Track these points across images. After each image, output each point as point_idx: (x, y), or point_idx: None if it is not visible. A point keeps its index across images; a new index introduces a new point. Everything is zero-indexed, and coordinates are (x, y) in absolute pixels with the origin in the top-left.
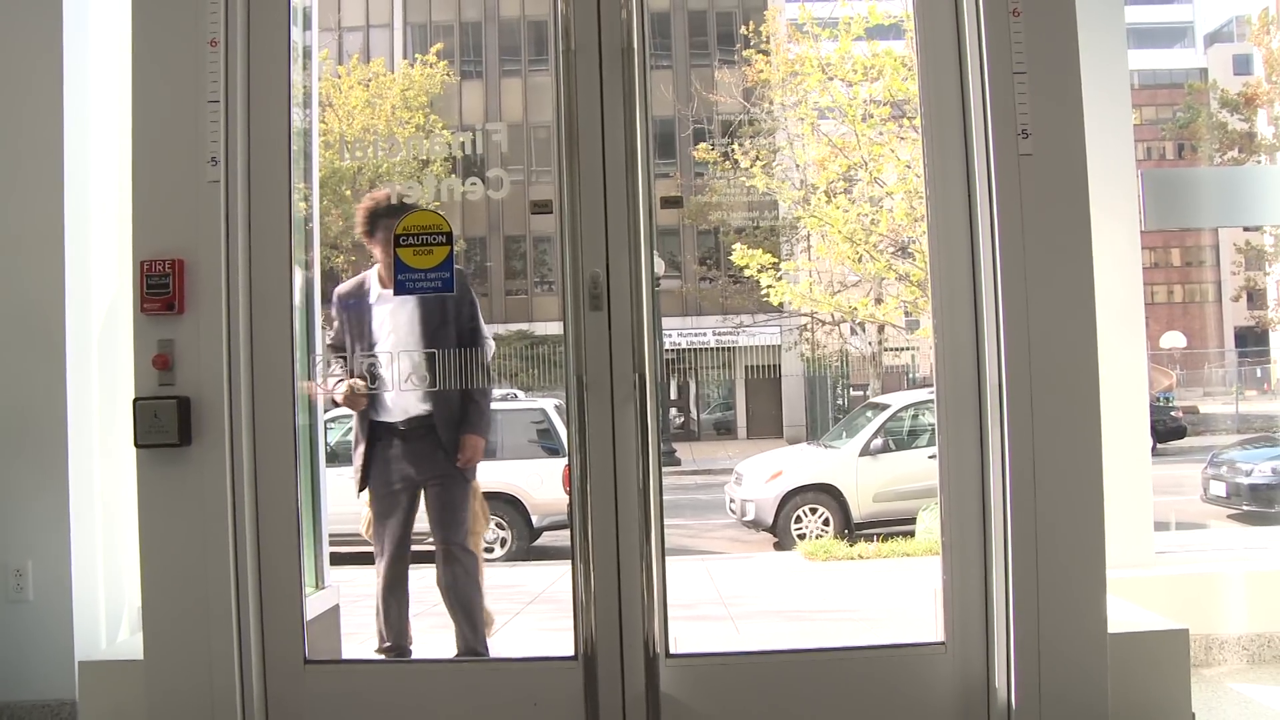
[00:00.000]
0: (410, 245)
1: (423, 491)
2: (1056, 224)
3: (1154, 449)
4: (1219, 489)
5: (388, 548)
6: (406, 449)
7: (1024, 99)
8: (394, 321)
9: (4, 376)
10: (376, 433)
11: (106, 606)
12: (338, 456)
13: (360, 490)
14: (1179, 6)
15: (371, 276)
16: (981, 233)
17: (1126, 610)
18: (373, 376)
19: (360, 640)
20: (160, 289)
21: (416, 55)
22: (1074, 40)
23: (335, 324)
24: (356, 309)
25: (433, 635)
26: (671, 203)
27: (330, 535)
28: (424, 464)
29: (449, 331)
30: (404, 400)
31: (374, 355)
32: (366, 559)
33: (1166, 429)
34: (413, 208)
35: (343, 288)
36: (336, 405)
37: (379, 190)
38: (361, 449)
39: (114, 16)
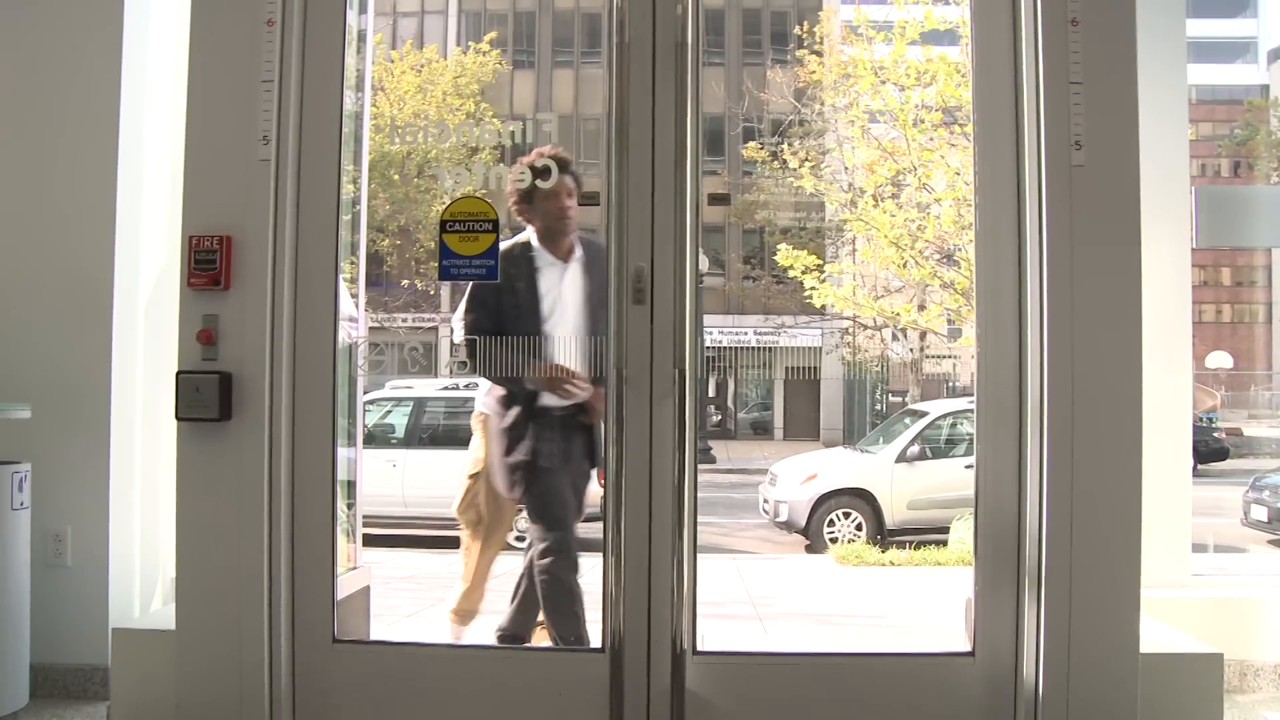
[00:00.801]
0: (456, 231)
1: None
2: (1106, 238)
3: (1195, 469)
4: (1260, 513)
5: (549, 536)
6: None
7: (1079, 109)
8: (563, 292)
9: (52, 345)
10: (538, 416)
11: (141, 576)
12: (374, 438)
13: (512, 482)
14: (1242, 21)
15: (531, 237)
16: (1029, 243)
17: (1161, 631)
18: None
19: (389, 622)
20: (207, 264)
21: (470, 43)
22: (1133, 52)
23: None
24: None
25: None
26: (719, 200)
27: (364, 516)
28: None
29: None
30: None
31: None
32: (400, 542)
33: (1209, 450)
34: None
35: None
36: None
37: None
38: (518, 429)
39: None
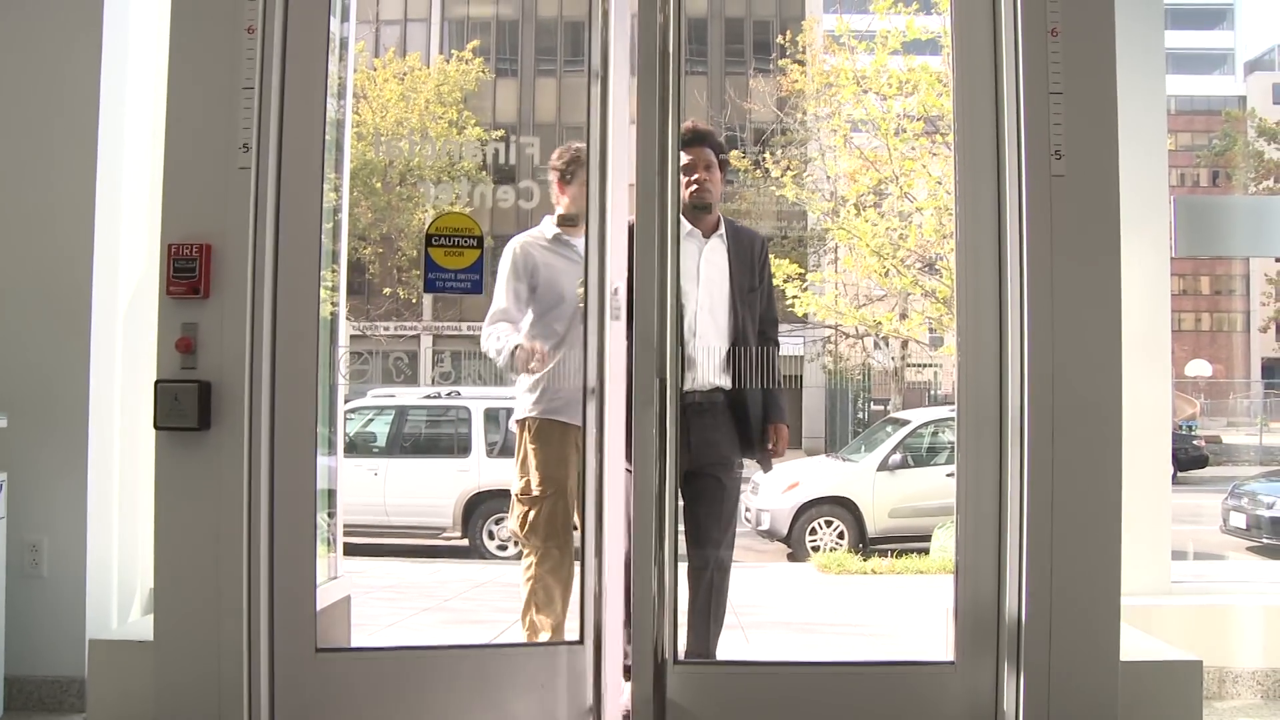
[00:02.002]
0: (441, 246)
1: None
2: (1086, 247)
3: (1174, 477)
4: (1239, 520)
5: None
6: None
7: (1059, 120)
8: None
9: (29, 354)
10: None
11: (119, 586)
12: (355, 447)
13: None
14: (1220, 33)
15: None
16: (1010, 252)
17: (1140, 639)
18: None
19: (370, 631)
20: (186, 273)
21: (453, 51)
22: (1112, 63)
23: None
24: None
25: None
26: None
27: (345, 526)
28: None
29: None
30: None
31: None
32: (382, 551)
33: (1188, 458)
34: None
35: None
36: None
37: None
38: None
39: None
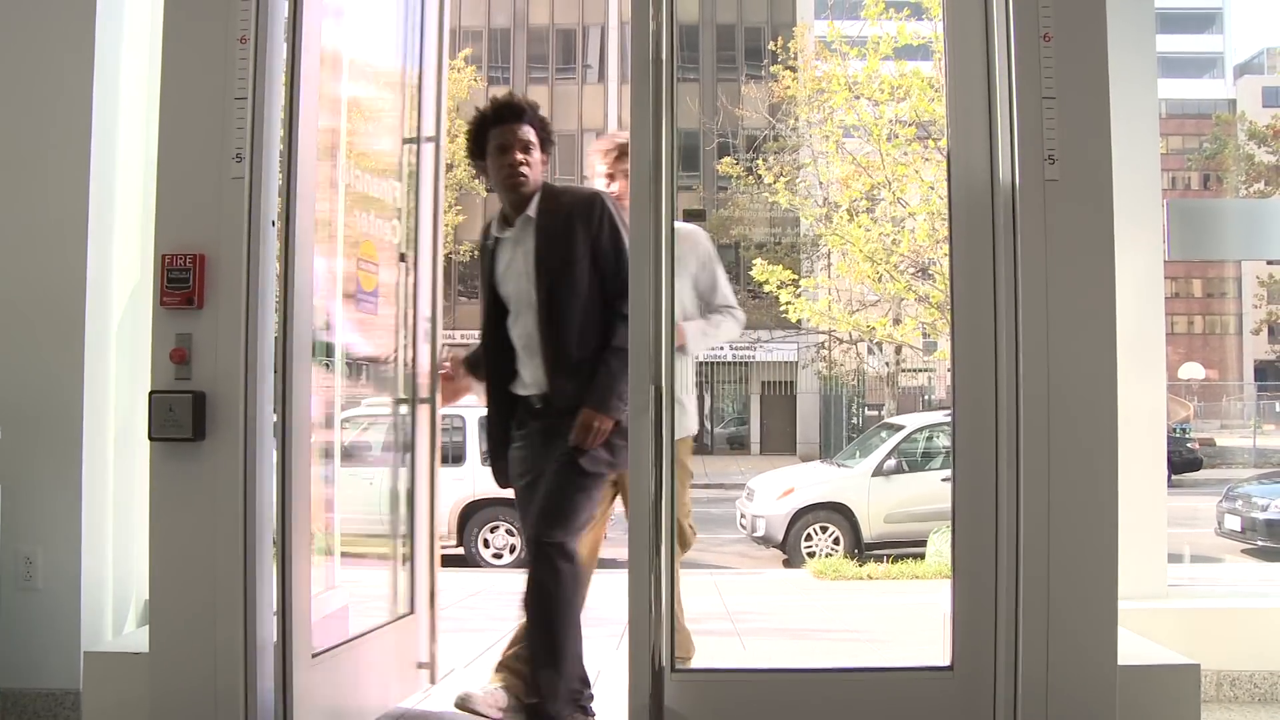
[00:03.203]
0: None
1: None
2: (1080, 251)
3: (1169, 480)
4: (1234, 523)
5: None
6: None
7: (1052, 124)
8: (511, 263)
9: (22, 364)
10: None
11: (114, 598)
12: (351, 455)
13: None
14: (1210, 37)
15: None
16: (1003, 257)
17: (1137, 643)
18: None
19: None
20: (180, 283)
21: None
22: (1104, 68)
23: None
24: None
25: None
26: (694, 216)
27: (342, 535)
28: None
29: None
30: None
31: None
32: (379, 560)
33: (1182, 460)
34: (513, 103)
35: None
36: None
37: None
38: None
39: (146, 11)
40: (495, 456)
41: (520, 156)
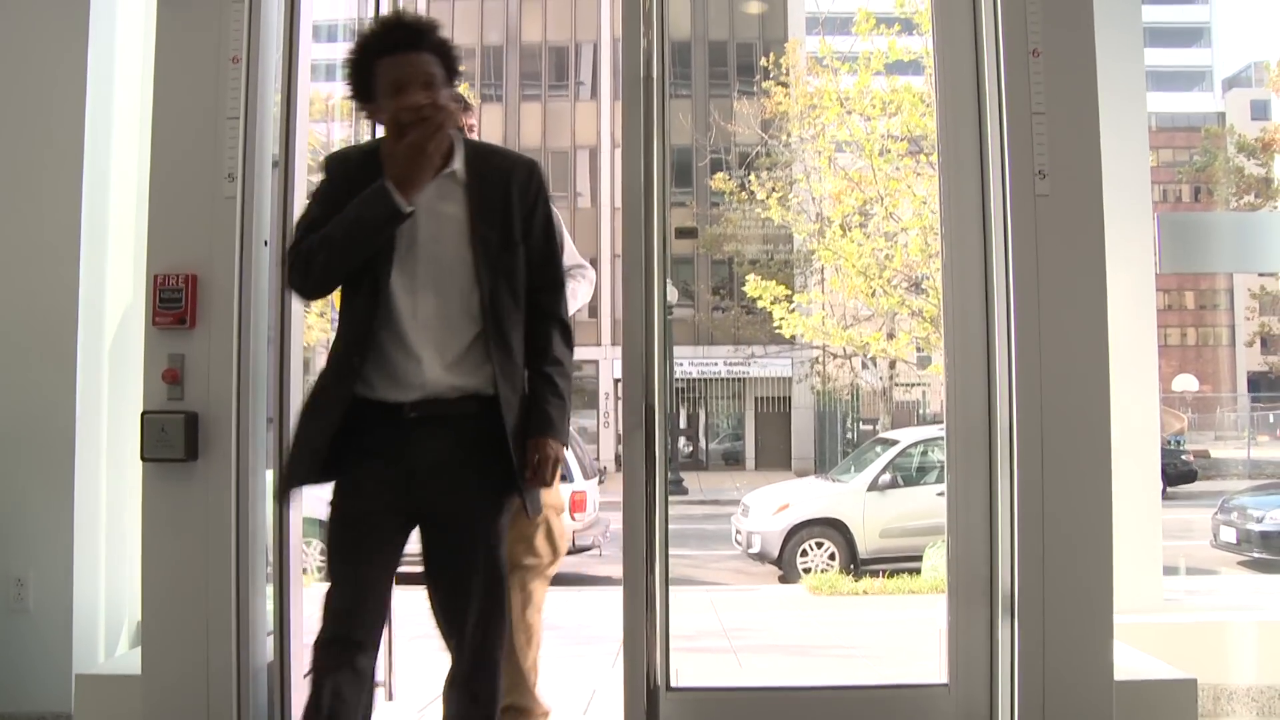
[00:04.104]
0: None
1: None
2: (1072, 265)
3: (1164, 492)
4: (1229, 535)
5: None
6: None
7: (1042, 140)
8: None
9: (14, 384)
10: (365, 418)
11: (106, 619)
12: None
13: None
14: (1198, 51)
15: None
16: (996, 271)
17: (1134, 658)
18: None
19: None
20: (173, 303)
21: None
22: (1093, 82)
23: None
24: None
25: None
26: (686, 234)
27: None
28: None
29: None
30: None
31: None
32: None
33: (1177, 472)
34: (405, 24)
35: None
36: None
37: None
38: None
39: (139, 31)
40: (306, 468)
41: (424, 95)
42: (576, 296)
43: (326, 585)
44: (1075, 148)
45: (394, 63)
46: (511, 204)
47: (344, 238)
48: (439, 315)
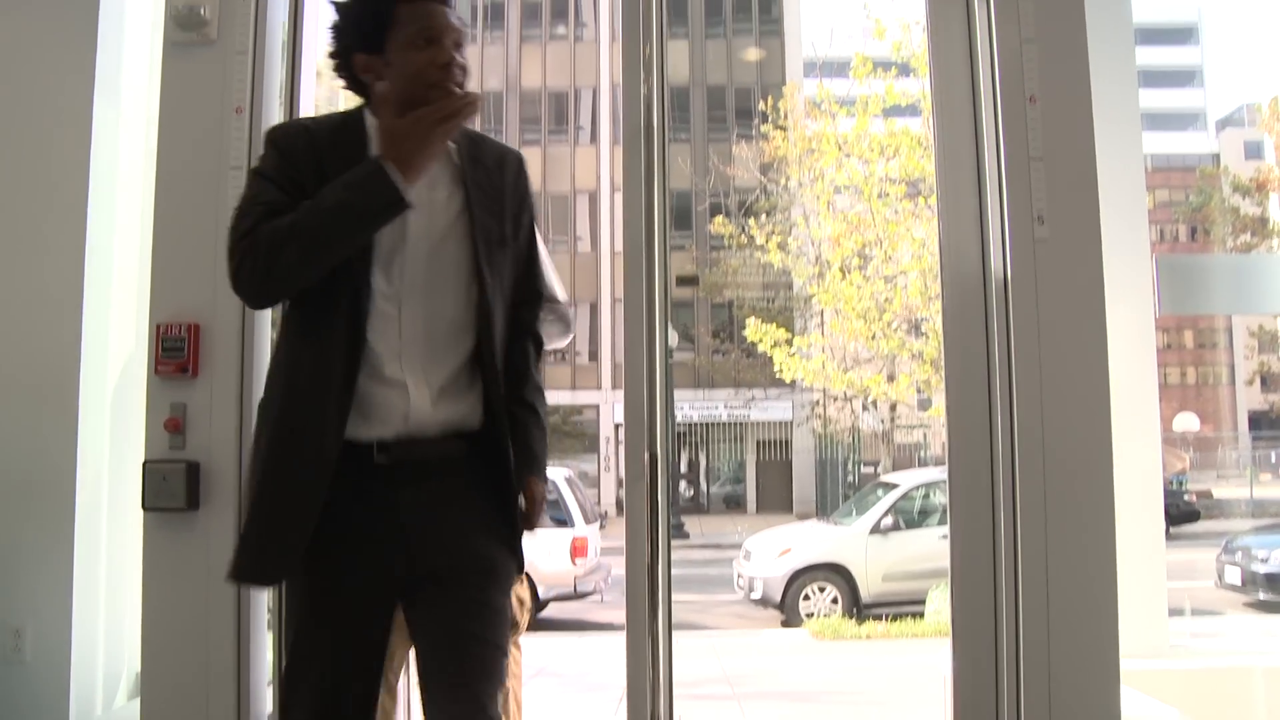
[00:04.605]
0: None
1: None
2: (1072, 309)
3: (1167, 532)
4: (1234, 576)
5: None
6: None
7: (1040, 185)
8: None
9: (14, 433)
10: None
11: (105, 671)
12: None
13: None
14: (1191, 91)
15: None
16: (995, 315)
17: (1141, 702)
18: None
19: None
20: (175, 352)
21: None
22: (1090, 128)
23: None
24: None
25: None
26: (687, 281)
27: None
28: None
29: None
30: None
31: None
32: None
33: (1180, 512)
34: None
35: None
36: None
37: None
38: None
39: (144, 78)
40: (282, 559)
41: (459, 57)
42: (552, 340)
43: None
44: (1073, 192)
45: (424, 10)
46: (504, 196)
47: (324, 229)
48: (427, 331)
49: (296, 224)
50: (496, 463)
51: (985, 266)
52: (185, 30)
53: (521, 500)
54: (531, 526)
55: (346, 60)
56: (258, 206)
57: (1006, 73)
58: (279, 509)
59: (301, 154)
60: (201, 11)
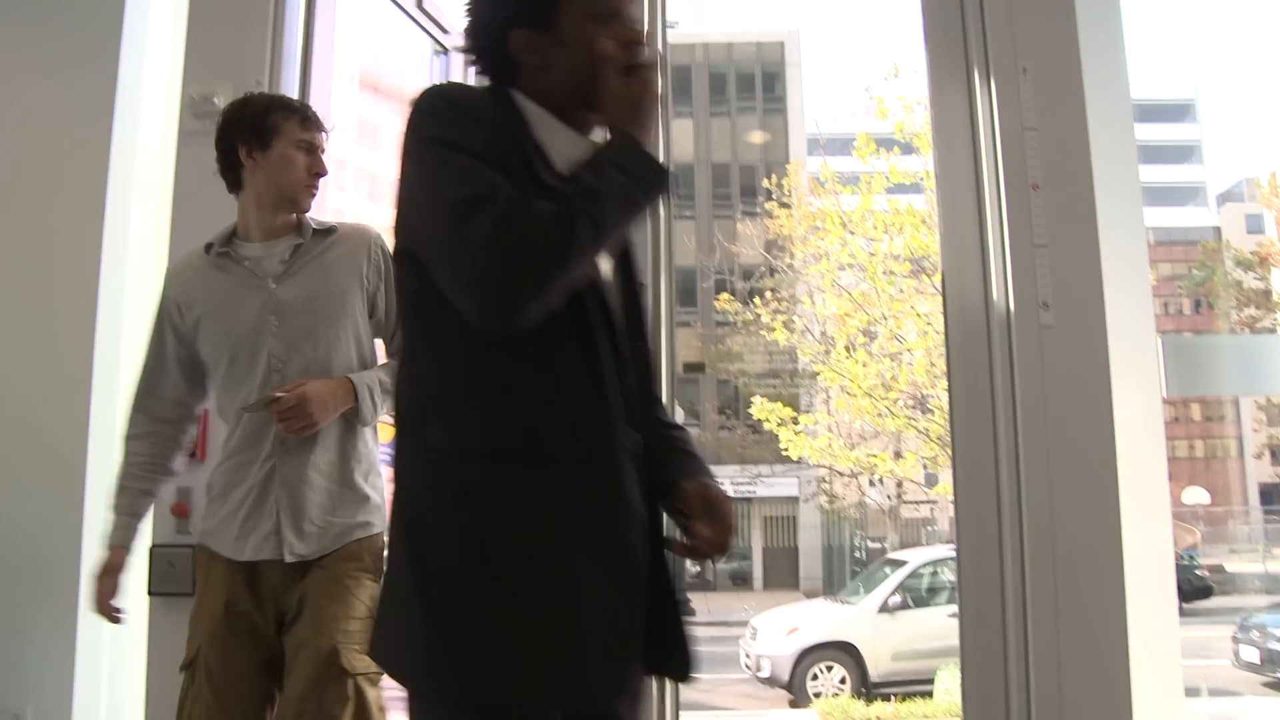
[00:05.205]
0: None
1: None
2: (1078, 393)
3: (1180, 609)
4: (1251, 655)
5: None
6: None
7: (1044, 271)
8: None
9: (18, 513)
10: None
11: None
12: None
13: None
14: (1191, 167)
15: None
16: (1001, 398)
17: None
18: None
19: None
20: None
21: None
22: (1093, 214)
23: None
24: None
25: None
26: (694, 369)
27: None
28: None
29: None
30: None
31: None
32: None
33: (1192, 588)
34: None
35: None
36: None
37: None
38: None
39: (157, 169)
40: (621, 670)
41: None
42: None
43: None
44: (1078, 278)
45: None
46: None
47: (611, 219)
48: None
49: (586, 211)
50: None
51: (990, 348)
52: (200, 119)
53: None
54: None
55: (500, 37)
56: (499, 190)
57: (1009, 160)
58: (609, 598)
59: (501, 132)
60: (216, 100)
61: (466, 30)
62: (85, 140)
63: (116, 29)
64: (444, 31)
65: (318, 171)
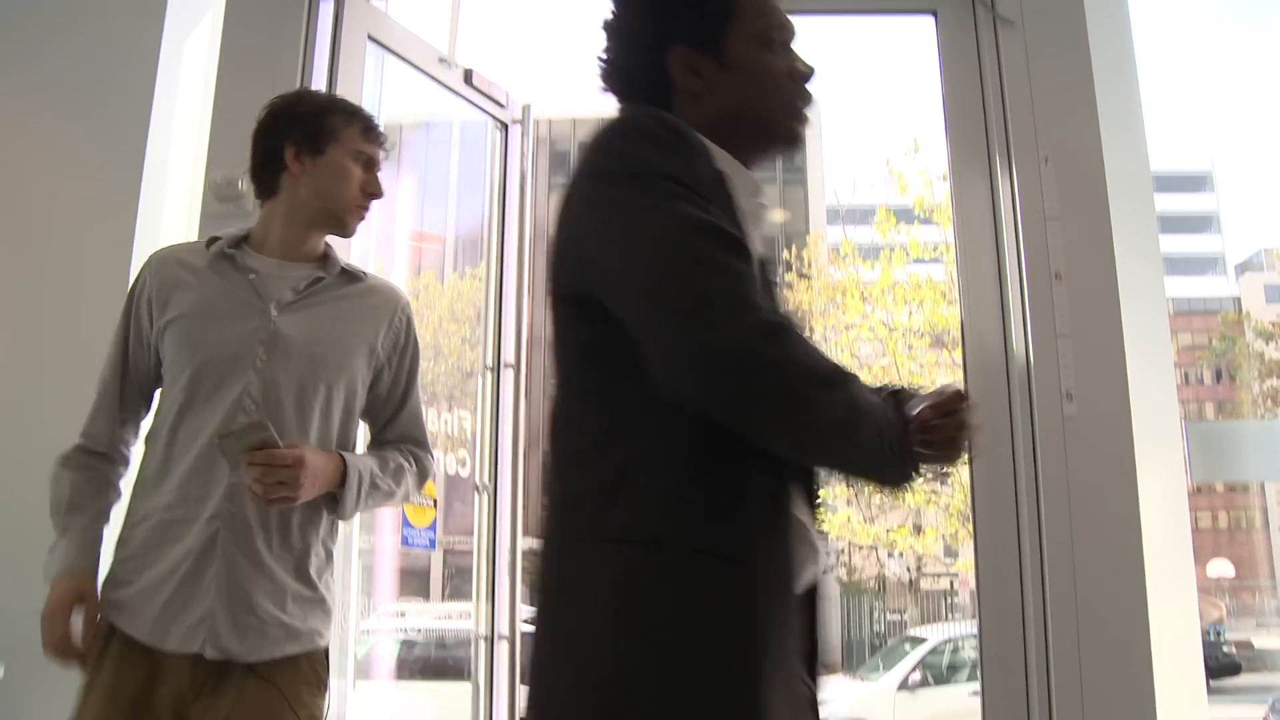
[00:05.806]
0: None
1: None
2: (1103, 482)
3: (1208, 687)
4: None
5: None
6: None
7: (1067, 362)
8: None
9: (31, 597)
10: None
11: None
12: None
13: None
14: (1209, 237)
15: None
16: (1024, 487)
17: None
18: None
19: None
20: None
21: (466, 268)
22: (1116, 306)
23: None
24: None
25: None
26: None
27: None
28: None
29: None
30: None
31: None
32: None
33: (1220, 665)
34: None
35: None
36: None
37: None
38: None
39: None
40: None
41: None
42: (399, 487)
43: None
44: (1101, 368)
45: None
46: None
47: (852, 460)
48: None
49: (852, 419)
50: None
51: (1013, 441)
52: (222, 202)
53: None
54: None
55: (657, 55)
56: (765, 301)
57: (1031, 250)
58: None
59: (714, 187)
60: (239, 185)
61: (609, 46)
62: (110, 222)
63: (145, 112)
64: (499, 105)
65: (372, 192)
